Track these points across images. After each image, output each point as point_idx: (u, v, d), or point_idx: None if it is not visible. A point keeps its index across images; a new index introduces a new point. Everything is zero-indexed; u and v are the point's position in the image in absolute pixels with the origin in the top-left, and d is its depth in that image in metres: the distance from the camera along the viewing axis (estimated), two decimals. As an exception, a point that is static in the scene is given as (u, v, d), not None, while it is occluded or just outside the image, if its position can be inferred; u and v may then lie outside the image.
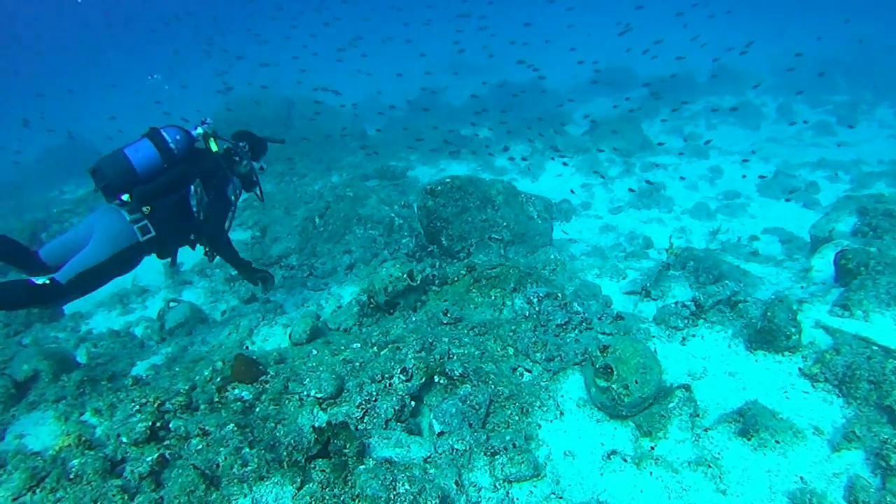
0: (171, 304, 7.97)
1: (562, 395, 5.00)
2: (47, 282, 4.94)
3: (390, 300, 6.46)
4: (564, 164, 14.50)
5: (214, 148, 5.93)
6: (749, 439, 4.21)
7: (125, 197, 5.27)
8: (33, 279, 4.93)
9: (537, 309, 5.96)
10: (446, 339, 5.50)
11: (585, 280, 7.20)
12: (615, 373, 4.49)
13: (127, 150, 5.31)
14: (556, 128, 16.85)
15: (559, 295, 6.12)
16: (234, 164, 6.27)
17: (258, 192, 6.78)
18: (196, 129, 5.84)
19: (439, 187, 8.08)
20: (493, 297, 6.20)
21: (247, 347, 6.78)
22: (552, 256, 7.49)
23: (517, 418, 4.76)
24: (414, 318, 6.28)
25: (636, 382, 4.45)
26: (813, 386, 4.74)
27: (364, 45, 24.58)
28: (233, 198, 6.32)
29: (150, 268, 9.94)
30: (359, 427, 4.68)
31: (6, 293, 4.78)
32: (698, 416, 4.63)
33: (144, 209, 5.35)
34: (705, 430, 4.40)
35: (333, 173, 15.34)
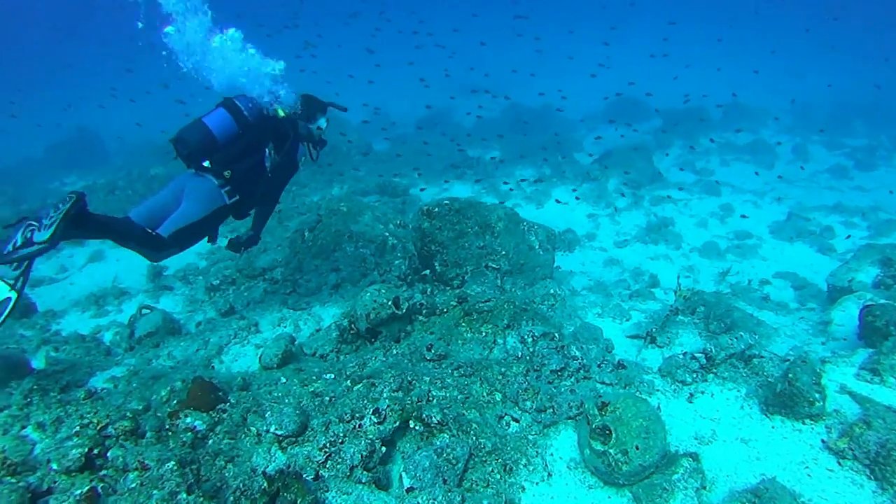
0: (144, 310, 7.45)
1: (551, 454, 4.44)
2: (154, 233, 5.40)
3: (372, 328, 5.92)
4: (574, 190, 14.01)
5: (281, 113, 6.11)
6: (765, 526, 3.63)
7: (206, 163, 5.64)
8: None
9: (531, 350, 5.42)
10: (427, 379, 4.95)
11: (585, 321, 6.65)
12: (614, 435, 3.93)
13: (206, 118, 5.62)
14: (564, 154, 16.38)
15: (556, 335, 5.58)
16: (297, 128, 6.39)
17: (315, 153, 6.86)
18: (263, 97, 6.04)
19: (436, 209, 7.57)
20: (483, 334, 5.66)
21: (212, 367, 6.24)
22: (552, 291, 6.95)
23: (499, 477, 4.21)
24: (395, 351, 5.73)
25: (637, 448, 3.89)
26: (839, 463, 4.16)
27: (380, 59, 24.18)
28: (301, 161, 6.56)
29: (133, 269, 9.50)
30: (320, 473, 4.13)
31: (124, 226, 5.27)
32: (705, 488, 4.06)
33: (226, 173, 5.67)
34: (714, 510, 3.83)
35: (335, 185, 14.89)
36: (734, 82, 27.08)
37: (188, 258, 9.73)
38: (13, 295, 4.93)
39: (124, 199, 14.36)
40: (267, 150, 6.04)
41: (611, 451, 3.92)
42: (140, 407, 4.84)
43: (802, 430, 4.47)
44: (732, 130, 20.10)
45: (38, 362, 6.30)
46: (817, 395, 4.42)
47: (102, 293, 8.78)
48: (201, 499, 3.73)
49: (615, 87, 23.31)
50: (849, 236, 11.89)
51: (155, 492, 3.75)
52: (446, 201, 7.65)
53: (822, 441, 4.33)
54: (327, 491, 3.94)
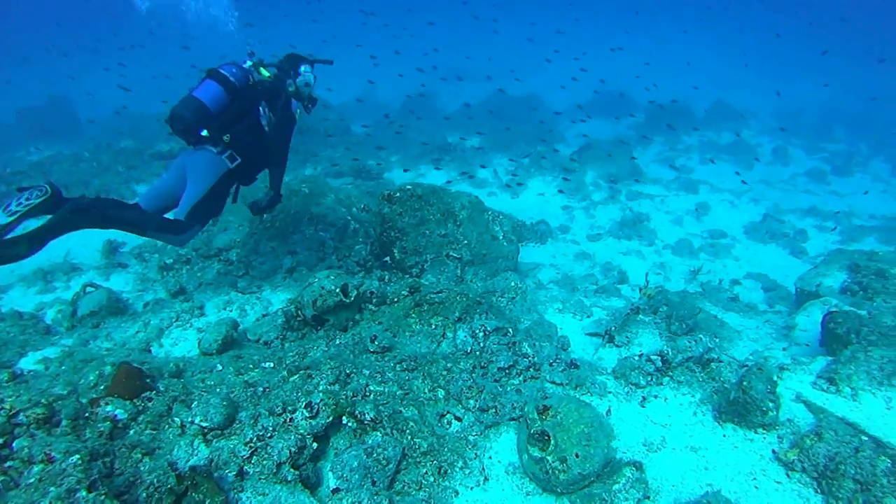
0: (88, 288, 7.10)
1: (490, 457, 4.21)
2: (171, 218, 5.74)
3: (319, 315, 5.66)
4: (566, 178, 13.80)
5: (266, 74, 6.34)
6: (705, 542, 3.42)
7: (204, 133, 5.73)
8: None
9: (482, 345, 5.17)
10: (367, 372, 4.71)
11: (544, 316, 6.42)
12: (553, 442, 3.71)
13: (195, 92, 5.79)
14: (545, 145, 16.12)
15: (510, 331, 5.34)
16: (286, 86, 6.56)
17: (310, 108, 7.06)
18: (246, 62, 6.28)
19: (398, 194, 7.30)
20: (433, 326, 5.41)
21: (150, 351, 5.95)
22: (512, 283, 6.70)
23: (432, 480, 3.98)
24: (338, 341, 5.47)
25: (577, 456, 3.66)
26: (788, 475, 3.96)
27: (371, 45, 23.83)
28: (296, 115, 6.68)
29: (89, 244, 9.12)
30: (244, 469, 3.87)
31: (137, 216, 5.55)
32: (648, 498, 3.85)
33: (225, 138, 5.81)
34: (653, 524, 3.62)
35: (308, 166, 14.53)
36: (724, 81, 27.01)
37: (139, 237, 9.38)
38: None
39: (87, 172, 13.92)
40: (261, 110, 6.16)
41: (548, 458, 3.70)
42: (65, 392, 4.52)
43: (754, 440, 4.27)
44: (715, 129, 19.96)
45: (-35, 342, 6.00)
46: (771, 405, 4.22)
47: (52, 268, 8.40)
48: (103, 497, 3.44)
49: (599, 81, 23.10)
50: (834, 228, 11.80)
51: (52, 488, 3.43)
52: (408, 186, 7.38)
53: (773, 452, 4.14)
54: (242, 491, 3.67)
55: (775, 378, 4.42)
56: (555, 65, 25.22)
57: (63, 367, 5.30)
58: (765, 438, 4.26)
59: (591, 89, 22.09)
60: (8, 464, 3.73)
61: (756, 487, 3.89)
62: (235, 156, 5.95)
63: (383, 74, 23.00)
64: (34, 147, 18.71)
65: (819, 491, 3.82)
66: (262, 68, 6.37)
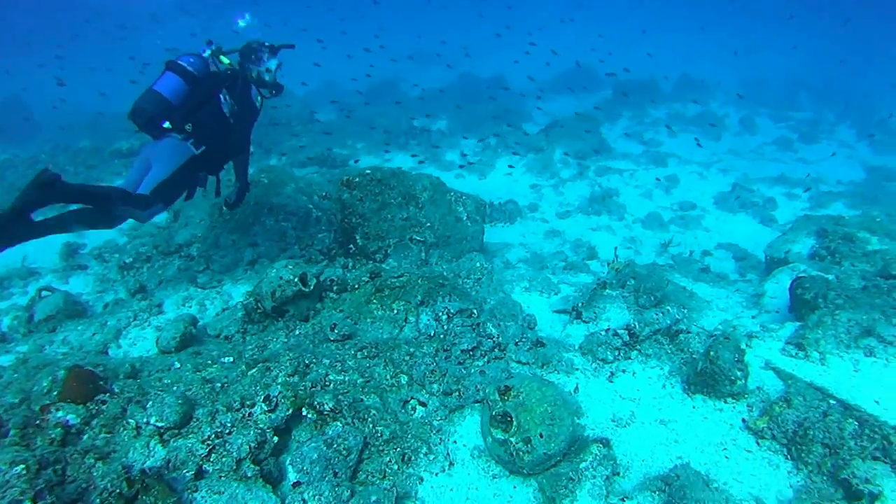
0: (44, 293, 6.86)
1: (454, 441, 4.09)
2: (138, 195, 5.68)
3: (278, 307, 5.50)
4: (514, 154, 13.66)
5: (226, 62, 6.31)
6: (674, 517, 3.32)
7: (167, 125, 5.76)
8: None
9: (445, 328, 5.04)
10: (327, 362, 4.56)
11: (511, 295, 6.29)
12: (515, 423, 3.59)
13: (155, 86, 5.80)
14: (510, 123, 15.96)
15: (474, 312, 5.21)
16: (248, 73, 6.57)
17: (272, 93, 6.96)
18: (205, 51, 6.22)
19: (357, 178, 7.11)
20: (394, 311, 5.27)
21: (107, 353, 5.76)
22: (478, 264, 6.57)
23: (396, 468, 3.85)
24: (298, 332, 5.31)
25: (541, 436, 3.55)
26: (758, 443, 3.90)
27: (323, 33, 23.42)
28: (257, 104, 6.63)
29: (47, 248, 8.83)
30: (203, 467, 3.72)
31: (108, 193, 5.50)
32: (618, 474, 3.76)
33: (187, 127, 5.85)
34: (622, 500, 3.51)
35: (273, 157, 14.26)
36: (688, 54, 26.96)
37: (109, 234, 9.11)
38: None
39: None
40: (223, 98, 6.15)
41: (512, 439, 3.58)
42: (16, 400, 4.36)
43: (723, 410, 4.20)
44: (682, 102, 19.94)
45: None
46: (739, 374, 4.14)
47: (8, 275, 8.13)
48: (51, 507, 3.29)
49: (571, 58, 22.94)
50: (808, 189, 11.80)
51: (-4, 500, 3.28)
52: (368, 171, 7.20)
53: (743, 420, 4.07)
54: (196, 491, 3.52)
55: (743, 346, 4.35)
56: (508, 41, 25.07)
57: (16, 375, 5.10)
58: (734, 408, 4.19)
59: (546, 64, 21.90)
60: None
61: (726, 458, 3.81)
62: (200, 143, 5.97)
63: (338, 59, 22.72)
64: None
65: (789, 457, 3.76)
66: (222, 56, 6.32)
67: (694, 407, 4.27)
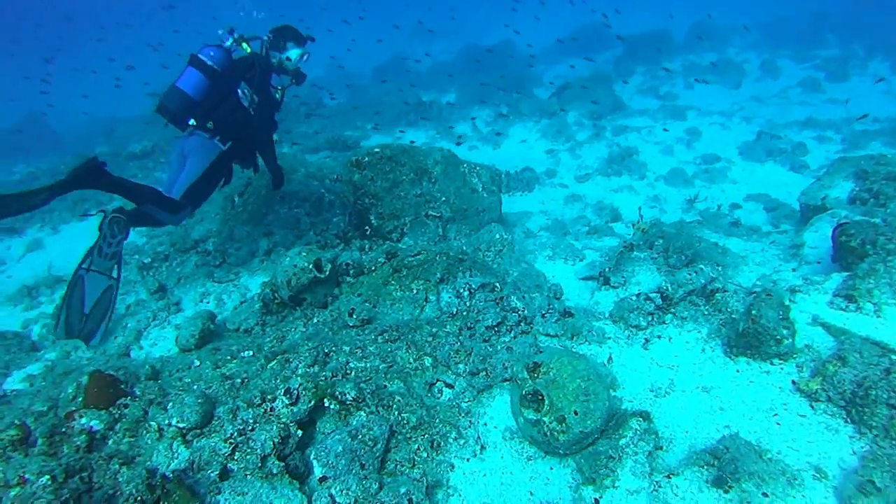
0: (69, 300, 6.78)
1: (485, 423, 3.86)
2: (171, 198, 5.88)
3: (295, 295, 5.29)
4: (502, 115, 13.28)
5: (248, 50, 6.27)
6: (726, 492, 3.06)
7: (192, 122, 5.85)
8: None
9: (468, 305, 4.80)
10: (347, 349, 4.35)
11: (534, 265, 6.03)
12: (547, 401, 3.34)
13: (178, 82, 5.86)
14: (520, 90, 15.58)
15: (497, 286, 4.97)
16: (265, 60, 6.44)
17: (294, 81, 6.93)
18: (226, 40, 6.17)
19: (366, 158, 6.87)
20: (414, 291, 5.04)
21: (128, 355, 5.63)
22: (497, 236, 6.30)
23: (425, 455, 3.64)
24: (316, 320, 5.11)
25: (575, 414, 3.30)
26: (812, 407, 3.60)
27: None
28: (276, 94, 6.57)
29: (71, 255, 8.74)
30: (228, 466, 3.55)
31: (143, 191, 5.78)
32: (661, 448, 3.51)
33: (209, 125, 5.91)
34: (668, 477, 3.25)
35: (284, 145, 14.08)
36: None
37: (132, 236, 9.02)
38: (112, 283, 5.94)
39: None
40: (241, 92, 6.09)
41: (545, 419, 3.34)
42: (45, 408, 4.25)
43: (770, 372, 3.91)
44: (697, 52, 19.34)
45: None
46: (785, 332, 3.85)
47: (35, 284, 8.07)
48: (73, 517, 3.14)
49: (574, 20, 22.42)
50: (864, 116, 11.27)
51: (19, 515, 3.15)
52: (376, 149, 6.94)
53: (793, 382, 3.77)
54: (219, 493, 3.34)
55: (787, 302, 4.04)
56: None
57: (44, 383, 5.05)
58: (782, 369, 3.90)
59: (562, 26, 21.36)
60: None
61: (778, 424, 3.53)
62: (225, 139, 6.05)
63: (348, 42, 22.43)
64: (14, 168, 18.25)
65: (849, 420, 3.46)
66: (244, 43, 6.28)
67: (738, 371, 3.99)
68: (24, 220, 10.74)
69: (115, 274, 5.97)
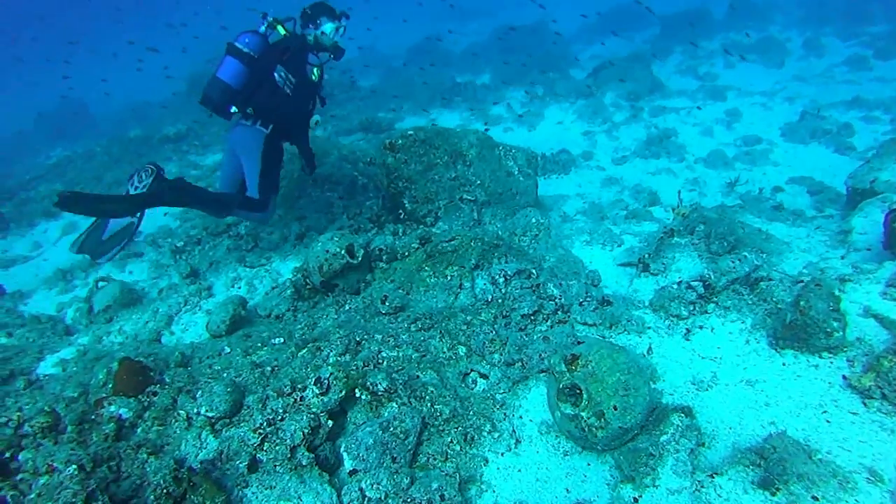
0: (100, 283, 6.81)
1: (520, 416, 3.77)
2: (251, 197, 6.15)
3: (327, 281, 5.23)
4: (527, 92, 12.99)
5: (283, 32, 6.25)
6: (773, 494, 2.93)
7: (233, 109, 5.92)
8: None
9: (503, 292, 4.69)
10: (379, 337, 4.28)
11: (569, 252, 5.89)
12: (585, 395, 3.23)
13: (218, 73, 5.92)
14: (555, 71, 15.30)
15: (533, 272, 4.85)
16: (301, 39, 6.43)
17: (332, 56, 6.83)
18: (260, 26, 6.17)
19: (400, 141, 6.76)
20: (448, 278, 4.95)
21: (159, 341, 5.63)
22: (533, 220, 6.16)
23: (458, 448, 3.57)
24: (348, 307, 5.05)
25: (614, 409, 3.19)
26: (864, 404, 3.44)
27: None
28: (313, 75, 6.45)
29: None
30: (257, 457, 3.51)
31: (226, 195, 6.17)
32: (703, 445, 3.38)
33: (248, 111, 5.99)
34: (711, 477, 3.13)
35: (318, 128, 14.04)
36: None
37: (162, 220, 9.05)
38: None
39: (99, 165, 13.56)
40: (277, 75, 6.08)
41: (583, 414, 3.24)
42: (76, 394, 4.30)
43: (819, 366, 3.75)
44: (737, 30, 18.78)
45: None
46: (836, 324, 3.68)
47: (70, 267, 8.12)
48: (101, 508, 3.12)
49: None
50: None
51: (48, 504, 3.14)
52: (410, 132, 6.83)
53: (844, 378, 3.61)
54: (247, 486, 3.30)
55: (837, 292, 3.85)
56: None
57: (75, 368, 5.06)
58: (832, 363, 3.74)
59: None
60: (19, 476, 3.51)
61: (828, 422, 3.38)
62: (266, 122, 6.09)
63: (371, 22, 22.21)
64: (52, 152, 18.51)
65: (905, 419, 3.30)
66: (278, 26, 6.27)
67: (784, 364, 3.84)
68: (60, 203, 10.86)
69: (138, 214, 6.03)
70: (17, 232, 10.18)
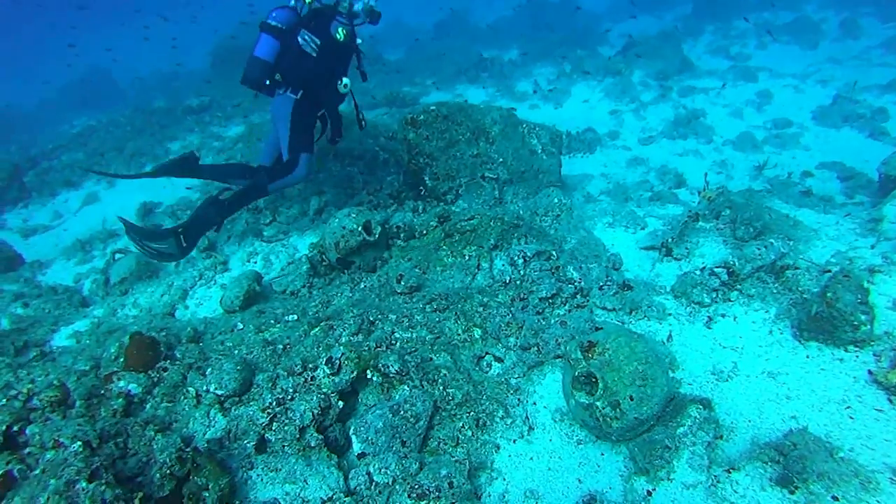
0: (117, 255, 6.81)
1: (534, 402, 3.71)
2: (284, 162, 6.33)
3: (343, 258, 5.18)
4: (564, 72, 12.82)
5: (313, 5, 6.29)
6: (792, 492, 2.84)
7: (267, 82, 6.06)
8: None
9: (522, 273, 4.61)
10: (393, 317, 4.23)
11: (590, 233, 5.78)
12: (601, 385, 3.15)
13: (255, 51, 6.05)
14: (587, 48, 15.07)
15: (553, 254, 4.76)
16: (336, 7, 6.43)
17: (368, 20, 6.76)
18: (290, 0, 6.25)
19: (422, 116, 6.66)
20: (466, 258, 4.88)
21: (173, 315, 5.61)
22: (556, 200, 6.05)
23: (470, 434, 3.51)
24: (363, 285, 5.00)
25: (630, 399, 3.11)
26: (890, 401, 3.33)
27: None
28: (338, 35, 6.29)
29: (126, 208, 8.82)
30: (265, 436, 3.49)
31: (253, 182, 6.32)
32: (721, 437, 3.30)
33: (277, 77, 6.13)
34: (728, 472, 3.05)
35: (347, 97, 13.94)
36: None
37: (183, 192, 9.04)
38: None
39: (121, 137, 13.58)
40: (300, 39, 6.10)
41: (598, 403, 3.16)
42: (87, 367, 4.28)
43: (844, 360, 3.64)
44: (769, 8, 18.32)
45: (3, 321, 5.81)
46: (863, 317, 3.56)
47: (90, 238, 8.14)
48: (104, 486, 3.09)
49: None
50: None
51: (52, 481, 3.10)
52: (433, 107, 6.72)
53: (870, 373, 3.50)
54: (252, 468, 3.27)
55: (865, 284, 3.72)
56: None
57: (88, 341, 5.05)
58: (857, 357, 3.62)
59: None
60: (27, 450, 3.51)
61: (851, 418, 3.28)
62: (296, 89, 6.17)
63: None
64: (76, 121, 18.58)
65: (932, 418, 3.19)
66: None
67: (808, 356, 3.73)
68: (80, 173, 10.88)
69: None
70: (39, 201, 10.22)
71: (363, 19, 6.57)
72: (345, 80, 6.43)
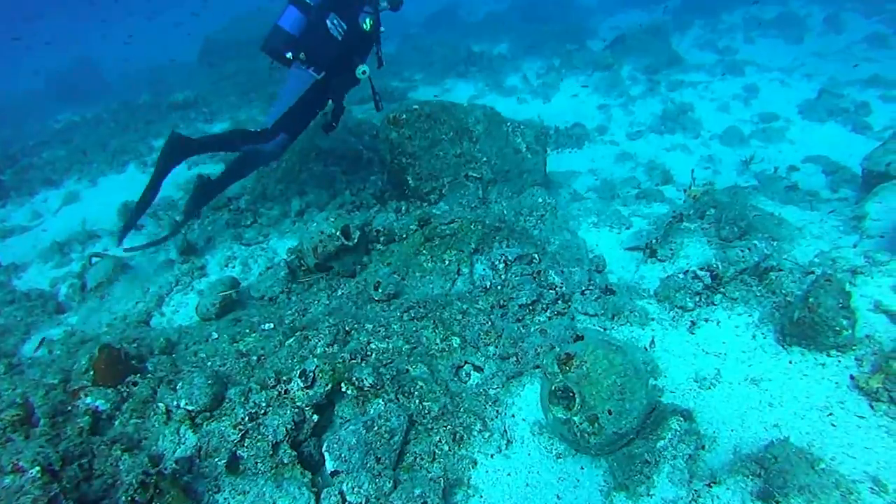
0: (94, 259, 6.65)
1: (512, 415, 3.64)
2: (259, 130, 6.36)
3: (322, 263, 5.10)
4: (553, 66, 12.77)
5: None
6: (773, 507, 2.79)
7: (289, 55, 6.07)
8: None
9: (503, 278, 4.54)
10: (369, 327, 4.14)
11: (575, 235, 5.72)
12: (578, 399, 3.08)
13: (279, 21, 6.13)
14: (576, 43, 14.99)
15: (535, 258, 4.70)
16: None
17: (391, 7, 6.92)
18: None
19: (404, 115, 6.56)
20: (446, 262, 4.80)
21: (148, 323, 5.51)
22: (539, 200, 5.98)
23: (447, 448, 3.43)
24: (340, 292, 4.91)
25: (609, 413, 3.04)
26: (871, 407, 3.28)
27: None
28: (365, 24, 6.38)
29: (106, 208, 8.67)
30: (237, 454, 3.40)
31: (229, 132, 6.74)
32: (703, 448, 3.24)
33: (301, 56, 6.08)
34: (708, 486, 2.99)
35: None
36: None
37: (166, 191, 8.87)
38: None
39: (106, 133, 13.37)
40: (329, 22, 6.12)
41: (575, 418, 3.09)
42: (56, 381, 4.14)
43: (826, 365, 3.59)
44: (759, 4, 18.26)
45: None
46: (844, 322, 3.51)
47: (68, 240, 7.92)
48: (65, 515, 3.01)
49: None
50: None
51: (10, 509, 3.02)
52: (415, 106, 6.62)
53: (851, 378, 3.45)
54: (218, 492, 3.19)
55: (847, 288, 3.66)
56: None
57: (58, 352, 4.94)
58: (840, 362, 3.57)
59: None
60: None
61: (833, 425, 3.23)
62: (319, 69, 6.19)
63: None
64: (59, 116, 18.30)
65: (915, 426, 3.14)
66: None
67: (790, 362, 3.67)
68: (61, 171, 10.68)
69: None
70: (17, 200, 9.96)
71: (385, 5, 6.68)
72: (363, 66, 6.48)
